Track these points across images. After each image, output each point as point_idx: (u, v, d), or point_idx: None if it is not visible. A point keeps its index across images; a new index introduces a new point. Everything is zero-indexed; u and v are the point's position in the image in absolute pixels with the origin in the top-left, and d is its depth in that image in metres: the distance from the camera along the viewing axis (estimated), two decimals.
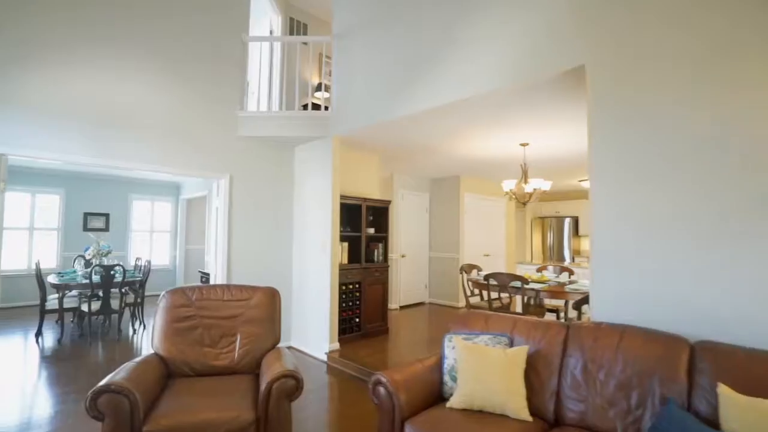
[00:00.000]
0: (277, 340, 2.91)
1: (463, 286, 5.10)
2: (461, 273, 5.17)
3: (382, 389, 2.19)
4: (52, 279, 5.37)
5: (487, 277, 4.28)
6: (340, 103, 4.47)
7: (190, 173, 4.23)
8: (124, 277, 5.22)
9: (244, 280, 4.57)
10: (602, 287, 2.41)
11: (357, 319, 4.93)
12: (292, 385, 2.24)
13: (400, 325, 5.75)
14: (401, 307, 7.07)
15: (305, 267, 4.83)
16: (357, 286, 4.94)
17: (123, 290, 5.30)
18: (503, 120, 3.91)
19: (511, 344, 2.36)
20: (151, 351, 2.67)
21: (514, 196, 4.90)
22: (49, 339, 5.31)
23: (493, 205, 8.24)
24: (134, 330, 5.75)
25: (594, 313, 2.44)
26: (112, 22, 3.77)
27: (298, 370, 2.32)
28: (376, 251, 5.25)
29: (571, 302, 5.17)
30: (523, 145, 4.72)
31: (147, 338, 5.45)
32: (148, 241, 8.92)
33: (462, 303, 7.28)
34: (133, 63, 3.89)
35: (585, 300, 3.33)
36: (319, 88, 6.28)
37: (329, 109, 4.59)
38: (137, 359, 2.43)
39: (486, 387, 2.09)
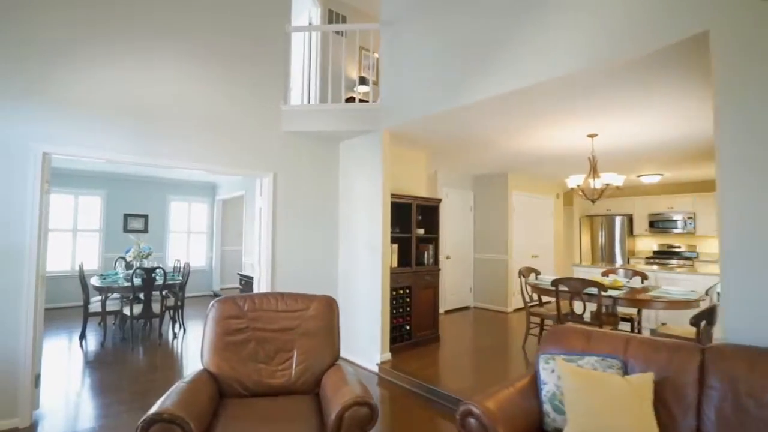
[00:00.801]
0: (337, 355, 2.60)
1: (522, 291, 4.68)
2: (520, 277, 4.74)
3: (473, 421, 1.83)
4: (94, 281, 5.29)
5: (555, 283, 3.84)
6: (391, 94, 4.14)
7: (233, 171, 3.99)
8: (164, 279, 5.07)
9: (289, 285, 4.31)
10: (740, 298, 1.96)
11: (407, 327, 4.58)
12: (366, 414, 1.91)
13: (450, 332, 5.37)
14: (446, 312, 6.68)
15: (352, 270, 4.53)
16: (407, 291, 4.59)
17: (164, 293, 5.15)
18: (575, 108, 3.47)
19: (625, 369, 1.95)
20: (200, 366, 2.42)
21: (581, 193, 4.43)
22: (93, 341, 5.23)
23: (540, 204, 7.73)
24: (174, 334, 5.61)
25: (728, 330, 1.99)
26: (151, 15, 3.57)
27: (369, 394, 2.00)
28: (426, 253, 4.89)
29: (649, 310, 4.67)
30: (591, 136, 4.25)
31: (187, 343, 5.29)
32: (185, 242, 8.88)
33: (512, 308, 6.82)
34: (174, 57, 3.68)
35: (704, 314, 2.86)
36: (362, 81, 5.99)
37: (378, 101, 4.26)
38: (187, 379, 2.17)
39: (606, 424, 1.70)
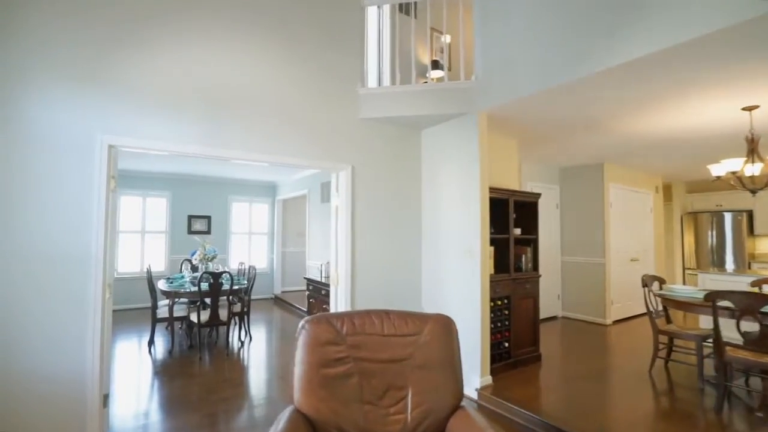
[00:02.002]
0: (461, 394, 1.99)
1: (647, 304, 3.83)
2: (644, 286, 3.90)
3: None
4: (162, 285, 5.07)
5: (712, 297, 3.00)
6: (489, 69, 3.48)
7: (308, 164, 3.50)
8: (231, 284, 4.73)
9: (370, 296, 3.77)
10: None
11: (506, 344, 3.89)
12: None
13: (549, 349, 4.60)
14: None
15: (441, 278, 3.91)
16: (505, 302, 3.90)
17: (230, 299, 4.81)
18: (727, 74, 2.65)
19: None
20: (291, 406, 1.90)
21: (739, 183, 3.52)
22: (161, 347, 5.01)
23: (639, 199, 6.70)
24: (241, 342, 5.28)
25: None
26: None
27: None
28: (523, 257, 4.17)
29: None
30: (748, 109, 3.34)
31: (254, 351, 4.92)
32: (247, 243, 8.70)
33: (611, 320, 5.90)
34: (244, 39, 3.25)
35: None
36: (435, 66, 5.36)
37: (472, 78, 3.61)
38: (279, 426, 1.65)
39: None
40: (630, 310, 6.26)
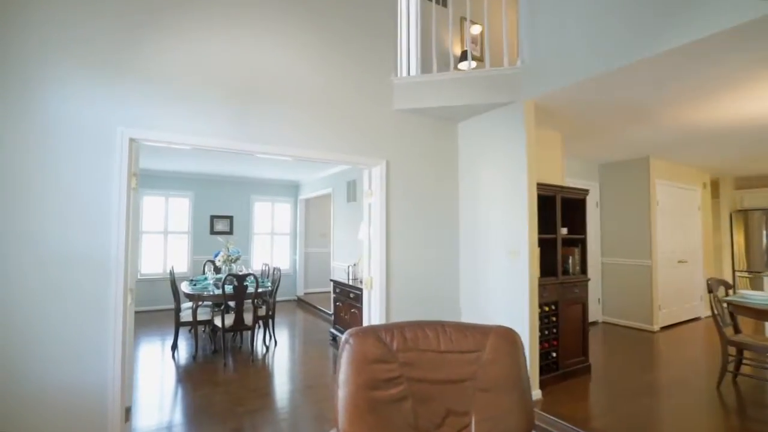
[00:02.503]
0: (532, 420, 1.69)
1: (714, 311, 3.45)
2: (709, 292, 3.51)
3: None
4: (185, 287, 4.91)
5: None
6: (539, 53, 3.16)
7: (340, 159, 3.25)
8: (257, 287, 4.52)
9: (406, 302, 3.49)
10: None
11: (553, 354, 3.56)
12: None
13: (597, 359, 4.24)
14: None
15: (481, 280, 3.60)
16: (553, 308, 3.57)
17: (255, 302, 4.60)
18: None
19: None
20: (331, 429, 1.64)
21: None
22: (184, 351, 4.85)
23: (685, 196, 6.23)
24: (266, 346, 5.07)
25: None
26: None
27: None
28: (571, 259, 3.82)
29: None
30: None
31: (279, 357, 4.71)
32: (269, 243, 8.53)
33: (658, 326, 5.47)
34: (274, 29, 3.02)
35: None
36: (464, 57, 5.04)
37: (518, 63, 3.30)
38: None
39: None
40: (677, 315, 5.81)
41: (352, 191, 6.12)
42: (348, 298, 4.97)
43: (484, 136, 3.63)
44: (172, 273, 4.91)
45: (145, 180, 7.25)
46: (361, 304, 4.66)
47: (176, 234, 7.62)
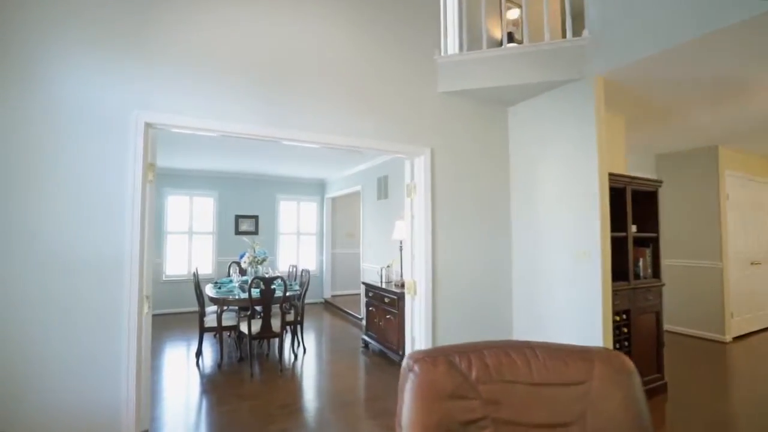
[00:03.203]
0: None
1: None
2: None
3: None
4: (209, 291, 4.63)
5: None
6: (611, 20, 2.69)
7: (380, 147, 2.87)
8: (285, 291, 4.19)
9: (452, 306, 3.08)
10: None
11: None
12: None
13: (671, 375, 3.70)
14: None
15: (539, 285, 3.15)
16: (624, 317, 3.09)
17: (284, 306, 4.27)
18: None
19: None
20: None
21: None
22: (209, 358, 4.57)
23: (760, 189, 5.56)
24: (294, 354, 4.74)
25: None
26: None
27: None
28: (641, 261, 3.32)
29: None
30: None
31: (309, 367, 4.36)
32: (295, 244, 8.24)
33: (730, 335, 4.86)
34: (306, 1, 2.65)
35: None
36: (510, 40, 4.58)
37: (584, 34, 2.83)
38: None
39: None
40: (751, 324, 5.17)
41: (383, 188, 5.74)
42: (382, 303, 4.58)
43: (541, 121, 3.17)
44: (195, 275, 4.64)
45: (169, 179, 7.07)
46: (397, 309, 4.26)
47: (201, 234, 7.42)
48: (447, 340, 3.04)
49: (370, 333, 4.95)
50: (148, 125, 2.21)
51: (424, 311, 2.95)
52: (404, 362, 1.38)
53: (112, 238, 2.08)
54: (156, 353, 4.80)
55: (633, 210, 3.44)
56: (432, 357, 1.36)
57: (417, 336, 2.99)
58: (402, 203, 5.18)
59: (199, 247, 7.40)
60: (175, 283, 7.01)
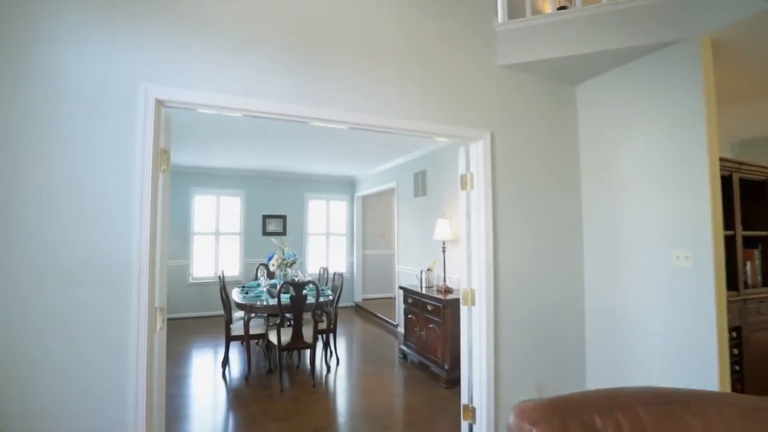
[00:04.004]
0: None
1: None
2: None
3: None
4: (236, 296, 4.29)
5: None
6: None
7: (431, 130, 2.41)
8: (317, 297, 3.79)
9: (515, 321, 2.58)
10: None
11: None
12: None
13: None
14: None
15: (622, 297, 2.61)
16: (734, 335, 2.51)
17: (316, 314, 3.87)
18: None
19: None
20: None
21: None
22: (237, 368, 4.23)
23: None
24: (327, 366, 4.33)
25: None
26: None
27: None
28: (749, 265, 2.73)
29: None
30: None
31: (343, 380, 3.95)
32: (324, 245, 7.88)
33: None
34: None
35: None
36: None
37: None
38: None
39: None
40: None
41: (420, 184, 5.27)
42: (424, 311, 4.11)
43: (624, 95, 2.63)
44: (221, 279, 4.30)
45: (195, 178, 6.83)
46: (442, 318, 3.79)
47: (228, 235, 7.15)
48: (511, 358, 2.55)
49: (409, 343, 4.49)
50: (159, 103, 1.83)
51: (485, 325, 2.47)
52: (512, 421, 0.92)
53: (115, 238, 1.71)
54: (181, 360, 4.50)
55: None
56: (558, 417, 0.89)
57: (476, 353, 2.52)
58: (443, 200, 4.71)
59: (226, 249, 7.14)
60: (202, 285, 6.76)
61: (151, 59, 1.80)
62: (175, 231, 6.64)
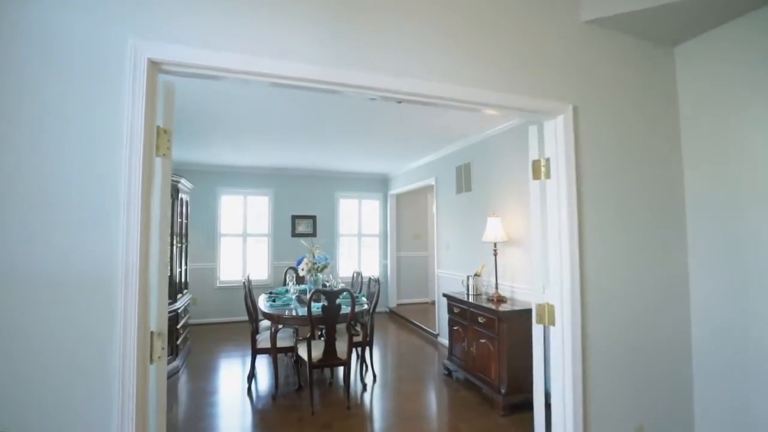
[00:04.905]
0: None
1: None
2: None
3: None
4: (262, 303, 3.90)
5: None
6: None
7: (494, 102, 1.89)
8: (353, 307, 3.32)
9: (606, 347, 2.02)
10: None
11: None
12: None
13: None
14: None
15: (755, 316, 1.99)
16: None
17: (351, 326, 3.40)
18: None
19: None
20: None
21: None
22: (263, 385, 3.83)
23: None
24: (363, 384, 3.86)
25: None
26: None
27: None
28: None
29: None
30: None
31: (382, 401, 3.47)
32: (356, 246, 7.44)
33: None
34: None
35: None
36: None
37: None
38: None
39: None
40: None
41: (463, 179, 4.73)
42: (474, 323, 3.58)
43: (748, 60, 2.01)
44: (247, 285, 3.91)
45: (221, 177, 6.55)
46: (497, 333, 3.25)
47: (256, 237, 6.83)
48: (603, 394, 2.00)
49: (454, 358, 3.96)
50: (154, 65, 1.40)
51: (569, 351, 1.92)
52: None
53: (93, 242, 1.29)
54: (206, 372, 4.15)
55: None
56: None
57: (556, 385, 1.97)
58: (492, 196, 4.15)
59: (254, 251, 6.82)
60: (230, 289, 6.46)
61: (143, 8, 1.37)
62: (202, 232, 6.38)
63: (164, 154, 1.50)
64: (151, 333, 1.42)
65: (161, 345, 1.46)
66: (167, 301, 1.53)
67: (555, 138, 2.03)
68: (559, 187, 2.00)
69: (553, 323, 2.01)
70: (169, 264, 1.51)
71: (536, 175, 2.11)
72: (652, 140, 2.25)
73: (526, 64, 1.96)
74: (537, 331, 2.10)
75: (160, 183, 1.48)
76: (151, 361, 1.41)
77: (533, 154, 2.14)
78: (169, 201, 1.57)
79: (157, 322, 1.46)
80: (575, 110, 2.03)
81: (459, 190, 4.83)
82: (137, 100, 1.35)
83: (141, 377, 1.33)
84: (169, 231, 1.54)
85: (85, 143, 1.30)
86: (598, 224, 2.05)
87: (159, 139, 1.47)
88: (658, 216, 2.22)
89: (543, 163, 2.08)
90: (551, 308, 2.02)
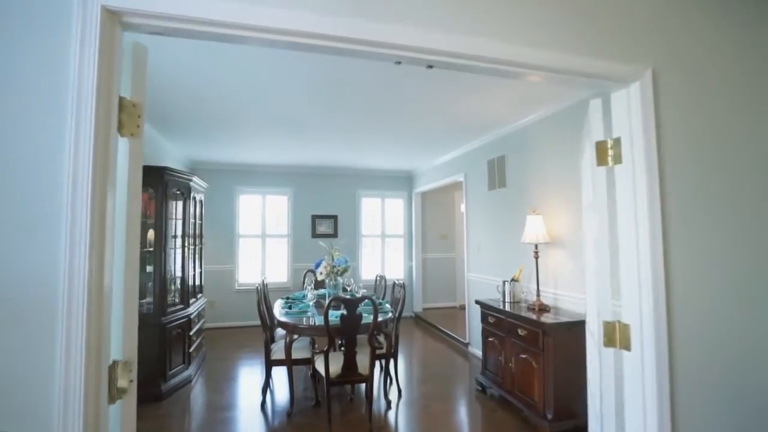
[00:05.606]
0: None
1: None
2: None
3: None
4: (278, 311, 3.60)
5: None
6: None
7: (547, 64, 1.49)
8: (375, 317, 2.96)
9: (702, 379, 1.57)
10: None
11: None
12: None
13: None
14: None
15: None
16: None
17: (374, 338, 3.04)
18: None
19: None
20: None
21: None
22: (279, 397, 3.51)
23: None
24: (388, 402, 3.49)
25: None
26: None
27: None
28: None
29: None
30: None
31: (411, 424, 3.09)
32: (379, 247, 7.09)
33: None
34: None
35: None
36: None
37: None
38: None
39: None
40: None
41: (497, 174, 4.29)
42: (512, 335, 3.15)
43: None
44: (261, 291, 3.61)
45: (239, 176, 6.32)
46: (542, 349, 2.81)
47: (275, 238, 6.58)
48: None
49: (489, 373, 3.54)
50: (111, 14, 1.07)
51: (654, 385, 1.49)
52: None
53: (36, 252, 0.97)
54: (220, 382, 3.88)
55: None
56: None
57: (633, 427, 1.54)
58: (531, 192, 3.69)
59: (274, 252, 6.56)
60: (249, 292, 6.21)
61: None
62: (221, 233, 6.17)
63: (132, 134, 1.17)
64: (113, 363, 1.09)
65: (129, 375, 1.13)
66: (137, 320, 1.20)
67: (628, 112, 1.60)
68: (636, 173, 1.57)
69: (628, 347, 1.58)
70: (138, 274, 1.17)
71: (602, 160, 1.69)
72: (756, 116, 1.78)
73: (588, 13, 1.54)
74: (606, 355, 1.68)
75: (126, 170, 1.16)
76: (111, 400, 1.09)
77: (597, 135, 1.71)
78: (140, 193, 1.24)
79: (124, 348, 1.13)
80: (654, 75, 1.59)
81: (491, 186, 4.39)
82: (87, 60, 1.03)
83: (92, 425, 1.00)
84: (139, 233, 1.20)
85: (20, 121, 0.98)
86: (687, 222, 1.61)
87: (123, 113, 1.14)
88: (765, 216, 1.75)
89: (611, 144, 1.66)
90: (625, 328, 1.59)
